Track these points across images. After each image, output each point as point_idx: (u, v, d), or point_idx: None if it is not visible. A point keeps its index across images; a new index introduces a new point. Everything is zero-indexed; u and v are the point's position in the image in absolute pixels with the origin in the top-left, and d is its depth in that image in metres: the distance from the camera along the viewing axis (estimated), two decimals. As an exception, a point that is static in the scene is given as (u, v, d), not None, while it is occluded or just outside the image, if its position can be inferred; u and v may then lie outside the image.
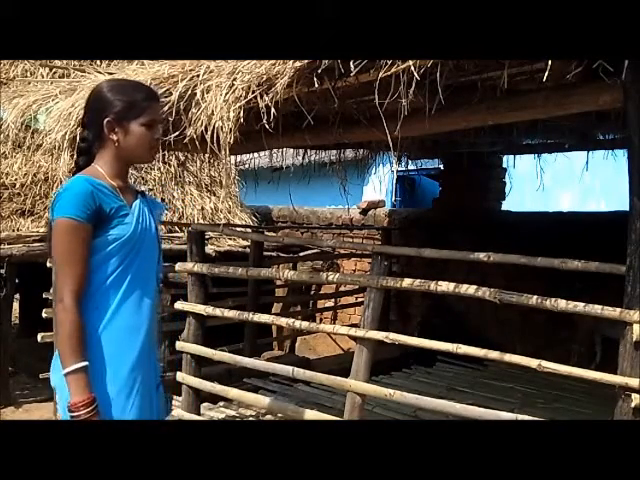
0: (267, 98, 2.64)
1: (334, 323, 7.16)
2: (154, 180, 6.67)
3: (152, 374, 2.02)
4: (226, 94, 2.76)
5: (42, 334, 4.41)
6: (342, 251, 6.74)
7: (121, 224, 1.91)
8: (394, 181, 10.83)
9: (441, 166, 7.07)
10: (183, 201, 6.83)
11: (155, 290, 2.05)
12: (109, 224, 1.89)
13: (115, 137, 1.94)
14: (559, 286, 3.34)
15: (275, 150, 4.93)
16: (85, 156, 2.00)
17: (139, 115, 1.94)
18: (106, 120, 1.93)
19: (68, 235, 1.83)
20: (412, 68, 2.19)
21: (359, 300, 6.63)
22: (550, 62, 2.07)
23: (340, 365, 4.53)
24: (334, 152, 5.27)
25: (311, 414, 3.47)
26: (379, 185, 8.99)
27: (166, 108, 3.00)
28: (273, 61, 2.61)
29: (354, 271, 7.23)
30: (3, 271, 5.19)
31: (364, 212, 7.57)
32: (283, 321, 3.98)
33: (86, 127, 2.03)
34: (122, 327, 1.92)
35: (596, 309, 2.54)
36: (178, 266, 4.23)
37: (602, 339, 5.05)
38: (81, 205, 1.83)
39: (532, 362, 2.67)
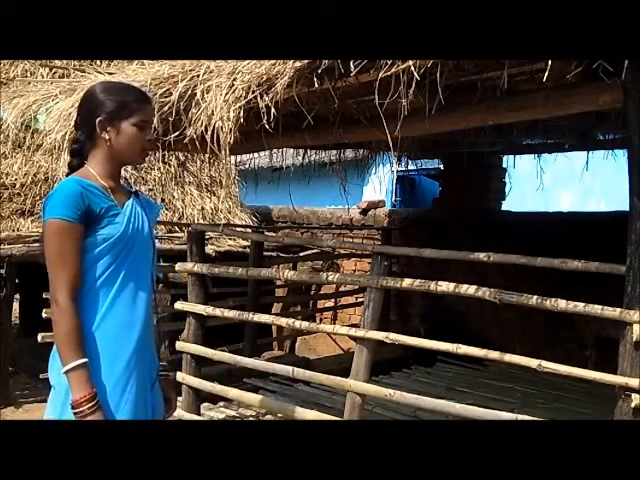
0: (267, 98, 2.64)
1: (334, 323, 7.16)
2: (154, 180, 6.67)
3: (147, 372, 2.03)
4: (226, 94, 2.76)
5: (42, 334, 4.41)
6: (342, 251, 6.74)
7: (111, 224, 1.93)
8: (394, 181, 10.82)
9: (441, 166, 7.07)
10: (183, 201, 6.83)
11: (150, 289, 2.06)
12: (99, 224, 1.91)
13: (107, 136, 1.96)
14: (559, 286, 3.33)
15: (275, 150, 4.93)
16: (77, 158, 2.02)
17: (130, 115, 1.96)
18: (98, 120, 1.95)
19: (59, 235, 1.85)
20: (412, 68, 2.19)
21: (359, 300, 6.63)
22: (550, 62, 2.07)
23: (340, 365, 4.53)
24: (334, 152, 5.27)
25: (311, 414, 3.47)
26: (379, 185, 8.98)
27: (166, 108, 3.01)
28: (273, 61, 2.61)
29: (354, 271, 7.22)
30: (3, 271, 5.19)
31: (364, 212, 7.56)
32: (283, 321, 3.98)
33: (79, 128, 2.04)
34: (115, 325, 1.93)
35: (596, 309, 2.54)
36: (178, 266, 4.23)
37: (596, 339, 5.05)
38: (71, 205, 1.84)
39: (532, 362, 2.67)
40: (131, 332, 1.96)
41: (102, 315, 1.91)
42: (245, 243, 6.35)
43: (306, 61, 2.47)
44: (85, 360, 1.82)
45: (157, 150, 3.58)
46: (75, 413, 1.80)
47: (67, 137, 3.37)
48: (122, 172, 2.12)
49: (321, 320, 7.42)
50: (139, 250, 2.00)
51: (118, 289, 1.94)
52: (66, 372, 1.81)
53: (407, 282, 3.16)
